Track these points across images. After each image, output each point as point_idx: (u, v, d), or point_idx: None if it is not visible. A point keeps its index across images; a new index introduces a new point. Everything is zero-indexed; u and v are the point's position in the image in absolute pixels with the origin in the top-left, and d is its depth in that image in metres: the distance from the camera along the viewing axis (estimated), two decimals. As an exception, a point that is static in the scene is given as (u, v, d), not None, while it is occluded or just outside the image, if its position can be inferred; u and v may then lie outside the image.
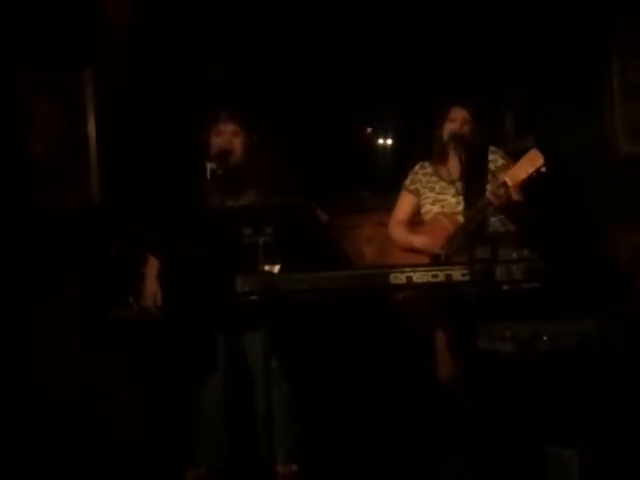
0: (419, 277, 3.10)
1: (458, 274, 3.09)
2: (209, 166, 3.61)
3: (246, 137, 3.87)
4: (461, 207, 3.95)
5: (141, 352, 4.49)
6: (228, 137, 3.84)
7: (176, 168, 4.47)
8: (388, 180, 5.57)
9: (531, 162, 3.70)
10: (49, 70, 4.80)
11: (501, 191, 3.72)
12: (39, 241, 4.59)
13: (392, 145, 5.71)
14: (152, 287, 3.89)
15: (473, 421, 3.55)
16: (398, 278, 3.10)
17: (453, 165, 4.03)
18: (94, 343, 4.54)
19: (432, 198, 4.11)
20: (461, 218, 3.92)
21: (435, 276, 3.10)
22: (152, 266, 3.92)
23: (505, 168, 3.90)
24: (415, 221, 4.22)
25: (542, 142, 4.51)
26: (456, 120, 3.97)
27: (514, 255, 3.91)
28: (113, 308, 4.46)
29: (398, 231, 4.19)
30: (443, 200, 4.08)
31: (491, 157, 4.03)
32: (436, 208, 4.08)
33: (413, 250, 4.07)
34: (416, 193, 4.18)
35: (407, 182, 4.22)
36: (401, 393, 4.53)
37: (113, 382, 4.51)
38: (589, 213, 4.64)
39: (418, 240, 4.06)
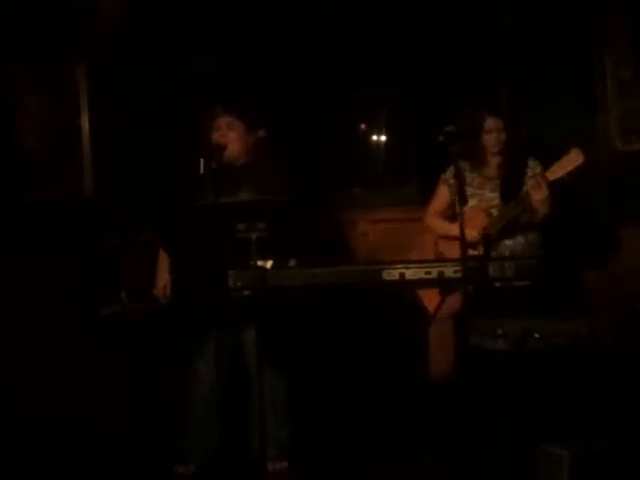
0: (412, 274, 3.10)
1: (451, 271, 3.09)
2: (202, 161, 3.61)
3: (242, 130, 3.85)
4: (497, 202, 4.17)
5: (132, 348, 4.48)
6: (224, 130, 3.83)
7: (170, 163, 4.47)
8: (382, 177, 5.60)
9: (570, 160, 3.89)
10: (44, 64, 4.79)
11: (542, 184, 3.91)
12: (31, 234, 4.58)
13: (386, 142, 5.72)
14: (163, 279, 3.98)
15: (464, 418, 3.55)
16: (391, 274, 3.10)
17: (494, 165, 4.24)
18: (84, 338, 4.53)
19: (470, 192, 4.23)
20: (496, 212, 4.14)
21: (428, 273, 3.10)
22: (163, 259, 4.00)
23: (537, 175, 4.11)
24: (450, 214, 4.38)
25: (536, 139, 4.55)
26: (493, 130, 4.18)
27: (506, 252, 4.00)
28: (105, 304, 4.45)
29: (435, 220, 4.38)
30: (481, 194, 4.24)
31: (531, 164, 4.20)
32: (473, 201, 4.22)
33: (449, 238, 4.20)
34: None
35: (447, 176, 4.35)
36: (392, 391, 4.53)
37: (103, 378, 4.50)
38: (583, 211, 4.65)
39: (455, 229, 4.15)
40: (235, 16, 5.14)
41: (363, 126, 5.73)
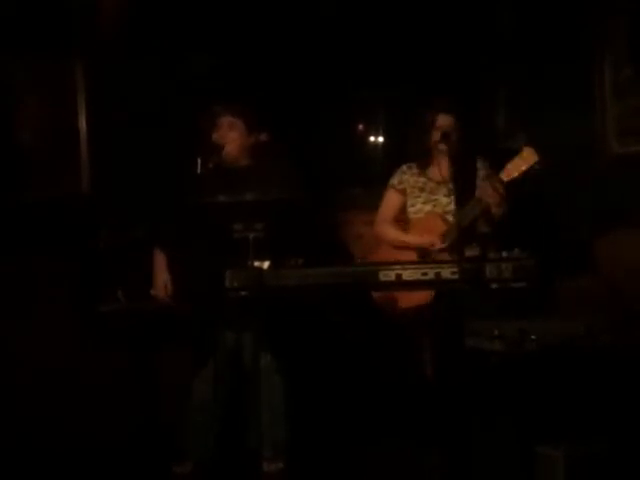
0: (409, 275, 3.09)
1: (448, 272, 3.08)
2: (199, 160, 3.61)
3: (243, 131, 3.85)
4: (452, 207, 4.08)
5: (129, 346, 4.48)
6: (224, 130, 3.83)
7: (170, 163, 4.47)
8: (380, 177, 5.59)
9: (525, 160, 3.82)
10: (43, 63, 4.80)
11: (497, 186, 3.84)
12: (31, 234, 4.58)
13: (384, 142, 5.72)
14: (162, 278, 3.94)
15: (460, 419, 3.55)
16: (387, 275, 3.10)
17: (443, 167, 4.15)
18: (84, 338, 4.53)
19: (424, 198, 4.20)
20: (451, 218, 4.06)
21: (425, 274, 3.10)
22: (160, 258, 3.96)
23: (490, 176, 4.01)
24: (400, 219, 4.31)
25: (533, 141, 4.54)
26: (443, 127, 4.08)
27: (504, 254, 3.97)
28: (102, 301, 4.46)
29: (387, 228, 4.28)
30: (435, 200, 4.18)
31: (480, 164, 4.15)
32: (428, 207, 4.18)
33: (404, 247, 4.14)
34: (404, 192, 4.27)
35: (395, 181, 4.31)
36: (389, 391, 4.53)
37: (103, 377, 4.50)
38: (579, 213, 4.65)
39: (412, 237, 4.15)
40: (235, 16, 5.14)
41: (361, 126, 5.73)
